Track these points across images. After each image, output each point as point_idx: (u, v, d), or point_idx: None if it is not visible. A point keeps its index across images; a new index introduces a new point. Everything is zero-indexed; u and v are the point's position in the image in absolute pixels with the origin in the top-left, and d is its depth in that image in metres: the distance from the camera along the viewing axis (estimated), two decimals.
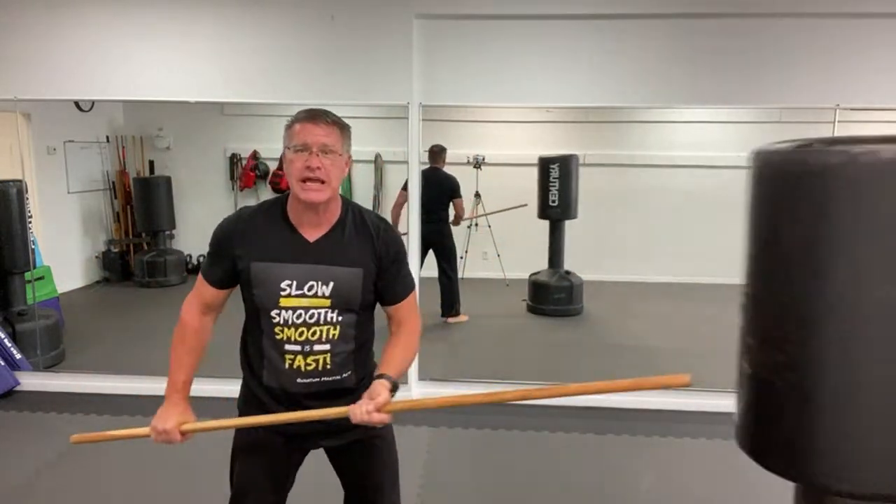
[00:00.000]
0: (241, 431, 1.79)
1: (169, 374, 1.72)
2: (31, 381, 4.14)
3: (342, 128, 1.65)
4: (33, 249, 4.62)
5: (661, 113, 7.08)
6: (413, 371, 4.00)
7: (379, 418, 1.53)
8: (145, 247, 7.31)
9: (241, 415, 1.77)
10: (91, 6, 3.93)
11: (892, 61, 3.72)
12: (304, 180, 1.58)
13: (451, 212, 5.64)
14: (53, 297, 5.18)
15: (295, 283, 1.62)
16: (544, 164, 6.12)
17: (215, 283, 1.71)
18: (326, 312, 1.64)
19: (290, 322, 1.63)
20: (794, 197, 1.20)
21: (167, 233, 7.28)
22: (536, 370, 4.59)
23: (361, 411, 1.52)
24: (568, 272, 6.17)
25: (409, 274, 1.79)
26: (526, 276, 6.35)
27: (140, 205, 7.09)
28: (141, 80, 3.96)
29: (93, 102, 6.48)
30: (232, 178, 7.49)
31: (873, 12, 3.67)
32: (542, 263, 6.28)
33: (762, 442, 1.32)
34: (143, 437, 1.73)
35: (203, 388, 3.84)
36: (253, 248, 1.65)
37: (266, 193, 7.42)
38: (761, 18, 3.76)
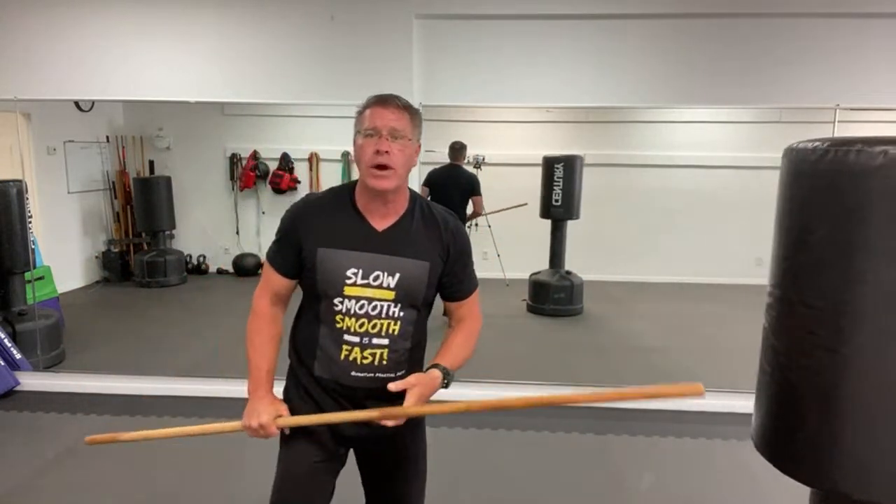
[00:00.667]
0: (291, 430, 1.71)
1: (250, 369, 1.67)
2: (31, 381, 4.14)
3: (413, 113, 1.61)
4: (33, 249, 4.61)
5: (661, 113, 7.07)
6: None
7: (393, 422, 1.55)
8: (145, 247, 7.30)
9: (289, 404, 1.69)
10: (91, 6, 3.93)
11: (892, 61, 3.72)
12: (375, 167, 1.55)
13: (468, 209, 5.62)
14: (53, 297, 5.18)
15: (361, 271, 1.59)
16: (549, 164, 6.12)
17: (282, 270, 1.67)
18: (389, 306, 1.61)
19: (352, 312, 1.59)
20: (831, 197, 1.14)
21: (167, 233, 7.28)
22: (536, 370, 4.58)
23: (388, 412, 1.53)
24: (568, 272, 6.17)
25: (474, 270, 1.76)
26: (526, 276, 6.35)
27: (140, 205, 7.09)
28: (141, 80, 3.97)
29: (93, 102, 6.48)
30: (232, 178, 7.48)
31: (873, 12, 3.67)
32: (542, 263, 6.28)
33: (783, 446, 1.29)
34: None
35: (209, 387, 3.88)
36: (319, 233, 1.61)
37: (266, 193, 7.41)
38: (761, 19, 3.76)
